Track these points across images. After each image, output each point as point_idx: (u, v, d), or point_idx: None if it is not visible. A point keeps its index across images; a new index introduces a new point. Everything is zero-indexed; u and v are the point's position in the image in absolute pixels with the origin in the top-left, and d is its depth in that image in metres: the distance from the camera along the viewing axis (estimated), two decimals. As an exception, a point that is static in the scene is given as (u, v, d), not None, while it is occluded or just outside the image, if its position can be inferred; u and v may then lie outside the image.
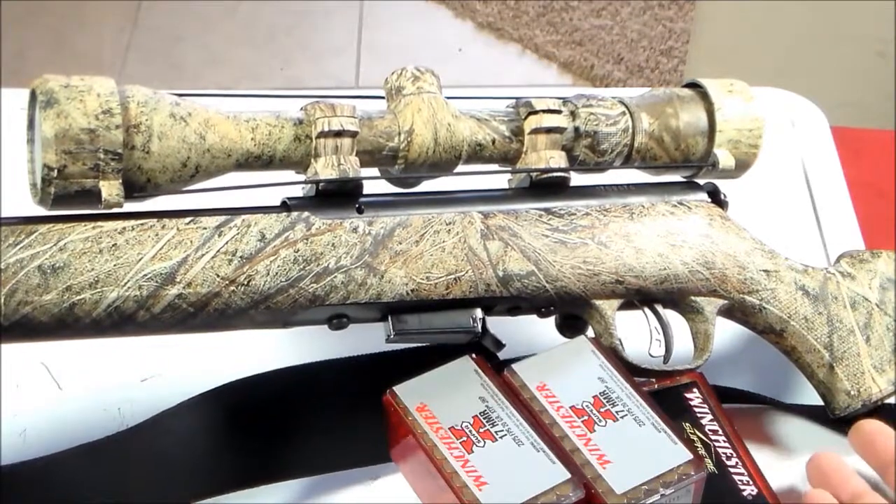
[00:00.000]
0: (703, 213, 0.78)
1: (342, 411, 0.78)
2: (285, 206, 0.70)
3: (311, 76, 2.33)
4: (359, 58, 2.34)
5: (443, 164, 0.72)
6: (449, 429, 0.70)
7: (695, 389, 0.78)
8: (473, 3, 2.62)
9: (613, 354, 0.75)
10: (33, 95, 0.64)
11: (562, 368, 0.74)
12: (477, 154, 0.74)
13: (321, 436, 0.77)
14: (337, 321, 0.71)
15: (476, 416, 0.71)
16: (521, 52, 2.51)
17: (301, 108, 0.70)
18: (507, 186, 0.77)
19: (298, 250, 0.68)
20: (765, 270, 0.79)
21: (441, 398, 0.72)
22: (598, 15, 2.61)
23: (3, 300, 0.62)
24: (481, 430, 0.70)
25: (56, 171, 0.62)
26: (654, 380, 0.77)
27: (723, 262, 0.77)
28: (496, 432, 0.70)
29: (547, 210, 0.75)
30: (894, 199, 1.07)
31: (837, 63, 2.14)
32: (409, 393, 0.72)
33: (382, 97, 0.74)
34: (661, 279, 0.76)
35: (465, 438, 0.70)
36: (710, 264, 0.77)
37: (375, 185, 0.73)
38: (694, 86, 0.80)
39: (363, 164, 0.70)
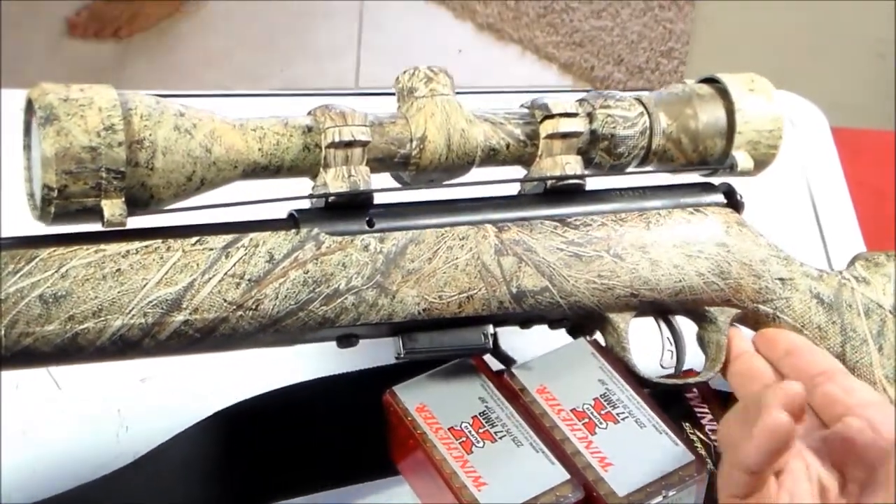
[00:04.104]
0: (720, 220, 0.77)
1: (345, 428, 0.77)
2: (293, 220, 0.68)
3: (311, 77, 2.33)
4: (359, 59, 2.34)
5: (455, 169, 0.71)
6: (448, 429, 0.70)
7: (695, 390, 0.78)
8: (473, 4, 2.61)
9: (613, 356, 0.75)
10: (30, 104, 0.61)
11: (562, 371, 0.74)
12: (490, 158, 0.72)
13: (324, 453, 0.77)
14: (346, 340, 0.69)
15: (476, 416, 0.71)
16: (521, 53, 2.51)
17: (310, 113, 0.68)
18: (519, 188, 0.75)
19: (308, 271, 0.66)
20: (780, 279, 0.77)
21: (441, 399, 0.72)
22: (598, 16, 2.61)
23: (3, 332, 0.60)
24: (481, 431, 0.70)
25: (56, 191, 0.60)
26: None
27: (738, 271, 0.76)
28: (495, 433, 0.70)
29: (562, 220, 0.73)
30: (894, 199, 1.07)
31: (837, 64, 2.14)
32: (409, 393, 0.72)
33: (390, 93, 0.72)
34: (676, 291, 0.74)
35: (464, 439, 0.70)
36: (726, 274, 0.76)
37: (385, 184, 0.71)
38: (713, 80, 0.78)
39: (373, 170, 0.69)
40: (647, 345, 0.76)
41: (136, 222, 0.63)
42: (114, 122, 0.60)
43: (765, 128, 0.77)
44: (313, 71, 2.34)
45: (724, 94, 0.77)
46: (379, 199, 0.70)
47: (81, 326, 0.61)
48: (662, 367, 0.76)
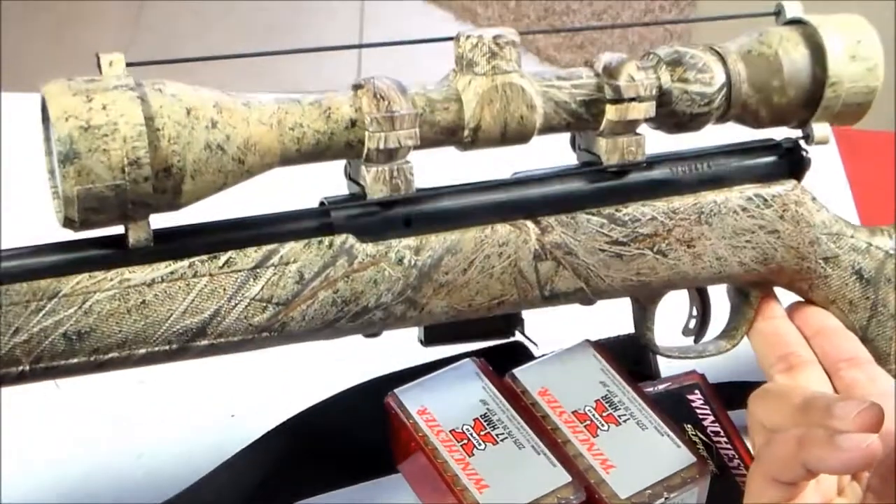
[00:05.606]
0: (779, 203, 0.71)
1: (351, 431, 0.77)
2: (324, 210, 0.63)
3: (311, 75, 2.33)
4: (360, 57, 2.34)
5: (508, 146, 0.65)
6: (450, 431, 0.70)
7: (696, 391, 0.78)
8: (474, 6, 2.62)
9: (615, 357, 0.74)
10: (45, 110, 0.56)
11: (563, 373, 0.73)
12: (547, 132, 0.66)
13: (330, 454, 0.77)
14: (370, 335, 0.67)
15: (477, 418, 0.71)
16: (523, 54, 2.51)
17: (355, 89, 0.62)
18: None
19: (338, 290, 0.62)
20: (825, 258, 0.73)
21: (442, 401, 0.72)
22: (599, 18, 2.61)
23: (28, 368, 0.58)
24: (482, 433, 0.70)
25: (79, 223, 0.56)
26: (656, 381, 0.77)
27: (783, 255, 0.71)
28: (497, 435, 0.70)
29: (610, 217, 0.67)
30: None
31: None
32: (410, 396, 0.72)
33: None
34: (712, 280, 0.72)
35: (466, 441, 0.70)
36: (769, 260, 0.71)
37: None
38: (802, 23, 0.69)
39: (418, 148, 0.63)
40: (672, 311, 0.75)
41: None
42: (139, 154, 0.54)
43: (855, 101, 0.69)
44: (314, 70, 2.34)
45: (818, 55, 0.68)
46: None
47: (106, 357, 0.59)
48: (684, 335, 0.75)
